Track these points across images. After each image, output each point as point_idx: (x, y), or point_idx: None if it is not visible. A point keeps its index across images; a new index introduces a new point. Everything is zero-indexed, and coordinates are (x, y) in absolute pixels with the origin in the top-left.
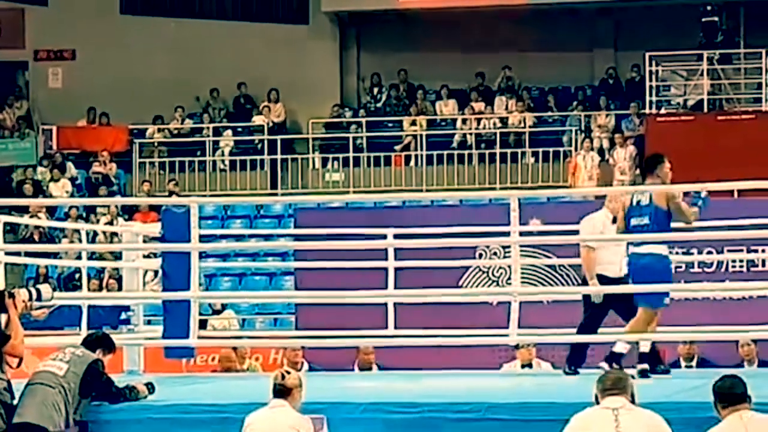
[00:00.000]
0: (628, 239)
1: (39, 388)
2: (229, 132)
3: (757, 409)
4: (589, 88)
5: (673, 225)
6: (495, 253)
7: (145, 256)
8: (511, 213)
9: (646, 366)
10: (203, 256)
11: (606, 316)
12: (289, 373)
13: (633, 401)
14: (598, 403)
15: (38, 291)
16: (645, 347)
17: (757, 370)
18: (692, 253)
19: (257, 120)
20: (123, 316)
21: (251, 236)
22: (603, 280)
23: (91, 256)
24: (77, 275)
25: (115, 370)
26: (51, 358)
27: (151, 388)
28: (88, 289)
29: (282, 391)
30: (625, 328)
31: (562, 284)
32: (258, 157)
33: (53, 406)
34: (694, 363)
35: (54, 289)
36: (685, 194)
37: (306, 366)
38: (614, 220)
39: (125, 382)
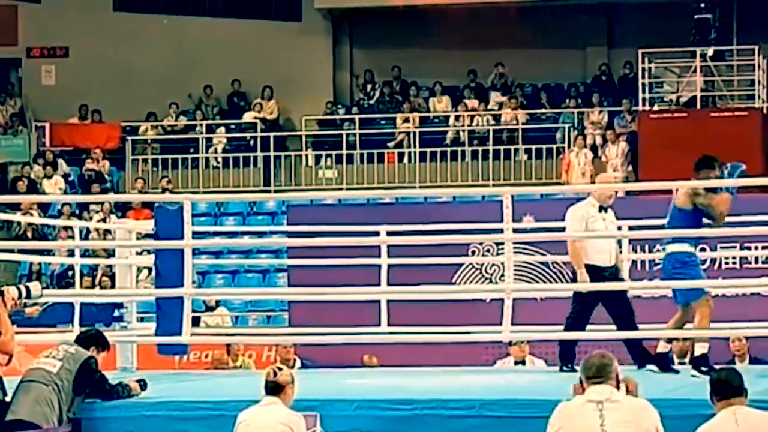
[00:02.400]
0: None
1: (32, 385)
2: (222, 129)
3: (750, 405)
4: (581, 84)
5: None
6: (488, 250)
7: (138, 253)
8: (504, 210)
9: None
10: (196, 253)
11: (594, 310)
12: (281, 369)
13: (618, 386)
14: (581, 385)
15: (27, 288)
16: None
17: (748, 367)
18: None
19: (250, 117)
20: (116, 313)
21: (244, 233)
22: (592, 270)
23: (84, 253)
24: (70, 272)
25: (108, 367)
26: (44, 356)
27: (143, 384)
28: (81, 287)
29: (274, 389)
30: (693, 325)
31: (555, 281)
32: (251, 155)
33: (47, 403)
34: (687, 359)
35: (46, 287)
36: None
37: (298, 363)
38: (601, 209)
39: (118, 380)
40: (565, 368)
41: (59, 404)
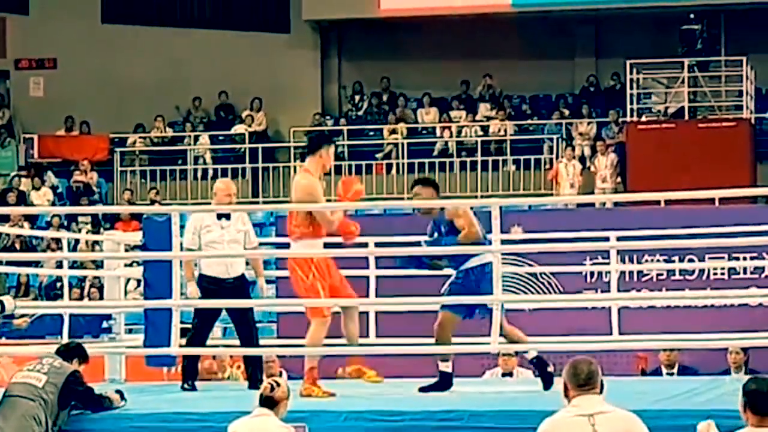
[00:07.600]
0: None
1: (18, 400)
2: (210, 140)
3: None
4: (569, 96)
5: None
6: None
7: (126, 265)
8: (492, 221)
9: None
10: None
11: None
12: (278, 385)
13: (601, 391)
14: (566, 393)
15: (2, 303)
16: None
17: (743, 377)
18: (673, 261)
19: (239, 128)
20: (104, 324)
21: None
22: (212, 281)
23: (73, 264)
24: (58, 284)
25: (96, 379)
26: (28, 369)
27: (122, 396)
28: (70, 298)
29: (269, 403)
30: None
31: (544, 292)
32: (239, 166)
33: (34, 419)
34: (675, 370)
35: (34, 299)
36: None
37: (285, 375)
38: (220, 216)
39: (99, 392)
40: (186, 386)
41: (46, 419)
